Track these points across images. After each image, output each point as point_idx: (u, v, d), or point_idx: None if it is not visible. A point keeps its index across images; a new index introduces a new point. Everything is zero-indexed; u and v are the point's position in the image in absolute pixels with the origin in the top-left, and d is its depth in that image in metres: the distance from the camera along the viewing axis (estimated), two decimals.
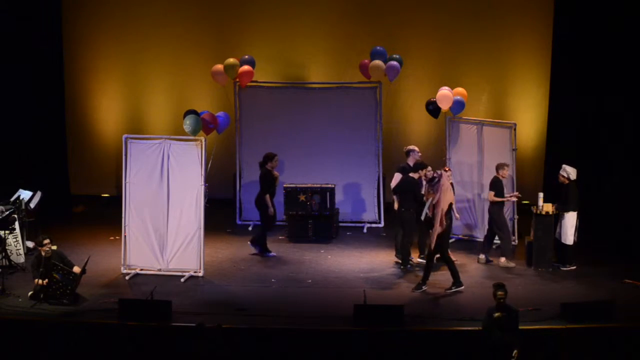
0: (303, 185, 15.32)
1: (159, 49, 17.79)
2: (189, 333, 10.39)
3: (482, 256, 13.75)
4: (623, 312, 11.03)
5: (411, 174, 13.42)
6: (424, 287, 12.24)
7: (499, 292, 10.15)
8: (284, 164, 16.15)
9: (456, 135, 15.07)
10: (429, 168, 13.24)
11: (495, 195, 13.49)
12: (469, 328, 10.54)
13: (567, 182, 13.33)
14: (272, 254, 14.04)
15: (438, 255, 12.48)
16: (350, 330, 10.66)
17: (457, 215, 14.01)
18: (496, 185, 13.59)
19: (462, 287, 12.23)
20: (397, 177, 13.68)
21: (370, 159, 15.92)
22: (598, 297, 11.55)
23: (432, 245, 12.26)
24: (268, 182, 13.95)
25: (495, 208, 13.61)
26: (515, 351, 9.88)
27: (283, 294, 12.11)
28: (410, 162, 13.88)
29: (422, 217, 12.45)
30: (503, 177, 13.67)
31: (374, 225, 16.03)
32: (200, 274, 12.76)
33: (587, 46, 16.55)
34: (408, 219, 13.26)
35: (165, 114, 17.74)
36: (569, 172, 13.33)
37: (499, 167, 13.70)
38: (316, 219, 15.14)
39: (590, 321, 10.75)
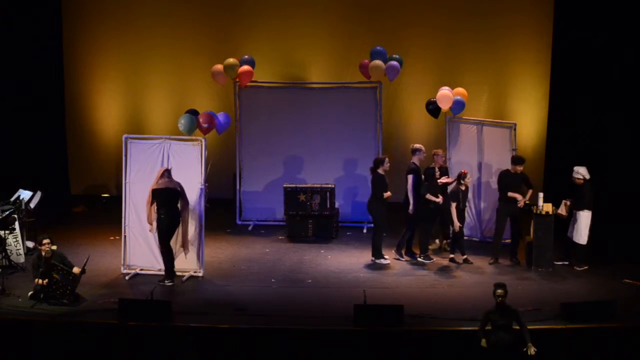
0: (303, 185, 15.33)
1: (159, 49, 17.79)
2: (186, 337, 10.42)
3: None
4: (623, 312, 11.02)
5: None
6: (168, 282, 12.32)
7: (498, 291, 10.04)
8: (284, 164, 16.16)
9: (456, 135, 15.06)
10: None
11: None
12: (469, 328, 10.52)
13: (582, 182, 13.32)
14: (387, 260, 13.70)
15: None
16: (350, 330, 10.65)
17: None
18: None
19: (175, 278, 12.35)
20: (410, 180, 13.64)
21: (371, 159, 15.80)
22: (598, 297, 11.53)
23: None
24: (381, 186, 13.63)
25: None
26: (531, 349, 9.82)
27: (283, 294, 12.10)
28: (416, 160, 13.86)
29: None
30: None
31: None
32: (200, 274, 12.75)
33: (587, 46, 16.55)
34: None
35: (165, 114, 17.72)
36: (583, 173, 13.30)
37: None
38: (316, 219, 15.14)
39: (590, 321, 10.74)
